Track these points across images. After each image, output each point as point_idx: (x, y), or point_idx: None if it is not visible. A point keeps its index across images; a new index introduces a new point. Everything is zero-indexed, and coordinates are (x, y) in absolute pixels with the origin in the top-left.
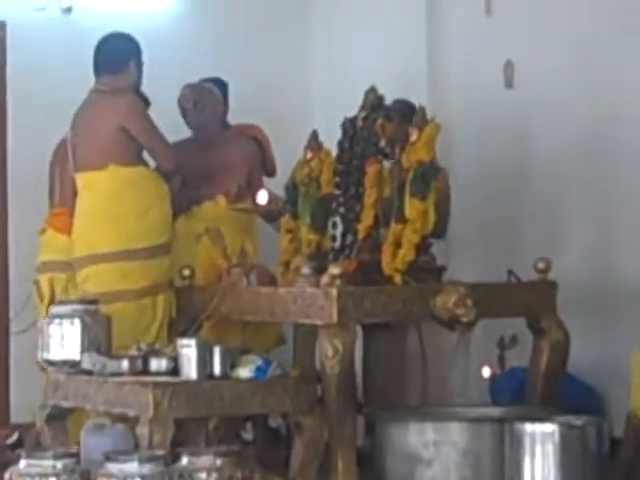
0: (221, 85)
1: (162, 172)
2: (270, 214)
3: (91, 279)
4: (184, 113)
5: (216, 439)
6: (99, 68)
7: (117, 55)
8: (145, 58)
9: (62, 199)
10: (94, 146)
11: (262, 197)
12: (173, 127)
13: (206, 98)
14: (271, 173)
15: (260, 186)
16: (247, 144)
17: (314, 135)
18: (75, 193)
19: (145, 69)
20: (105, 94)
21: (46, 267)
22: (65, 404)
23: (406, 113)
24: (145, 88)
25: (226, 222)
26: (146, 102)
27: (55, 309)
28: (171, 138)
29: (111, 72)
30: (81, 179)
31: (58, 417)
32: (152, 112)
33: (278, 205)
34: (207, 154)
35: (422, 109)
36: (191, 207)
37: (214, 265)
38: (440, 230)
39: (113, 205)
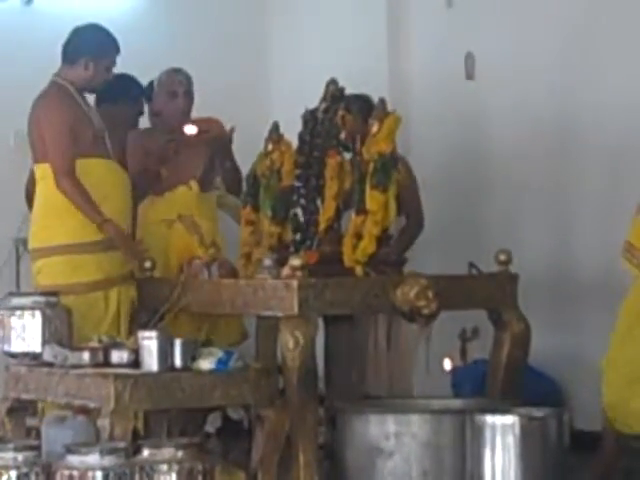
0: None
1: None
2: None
3: (43, 271)
4: (172, 95)
5: (177, 431)
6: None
7: (71, 46)
8: None
9: None
10: (43, 138)
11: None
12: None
13: (192, 89)
14: (233, 169)
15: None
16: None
17: (275, 127)
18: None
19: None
20: (51, 86)
21: None
22: (26, 396)
23: (365, 106)
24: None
25: (199, 209)
26: (106, 100)
27: (15, 301)
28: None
29: (63, 61)
30: (37, 171)
31: (19, 410)
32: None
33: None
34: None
35: (383, 101)
36: (162, 193)
37: (191, 253)
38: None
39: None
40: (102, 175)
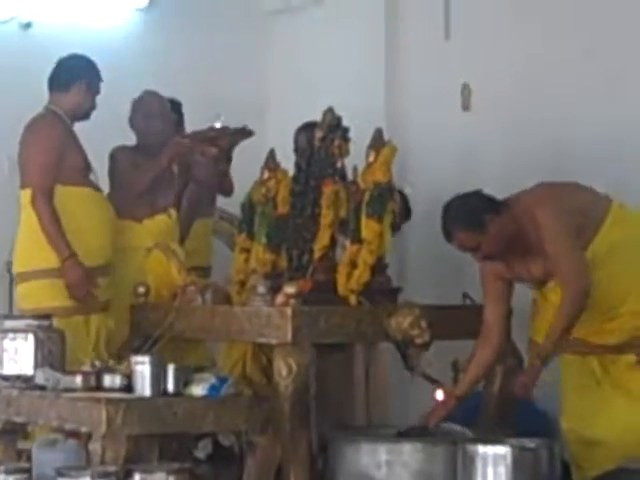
0: (175, 105)
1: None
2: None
3: (26, 295)
4: (149, 116)
5: (168, 456)
6: (49, 85)
7: (64, 74)
8: (103, 72)
9: None
10: (29, 161)
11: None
12: (128, 137)
13: (167, 112)
14: (227, 191)
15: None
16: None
17: (271, 155)
18: None
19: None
20: (45, 112)
21: None
22: (18, 419)
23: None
24: (102, 100)
25: (175, 237)
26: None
27: (8, 323)
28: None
29: (54, 90)
30: (22, 196)
31: (10, 432)
32: (109, 123)
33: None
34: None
35: (379, 130)
36: (141, 219)
37: (171, 281)
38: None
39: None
40: (83, 205)
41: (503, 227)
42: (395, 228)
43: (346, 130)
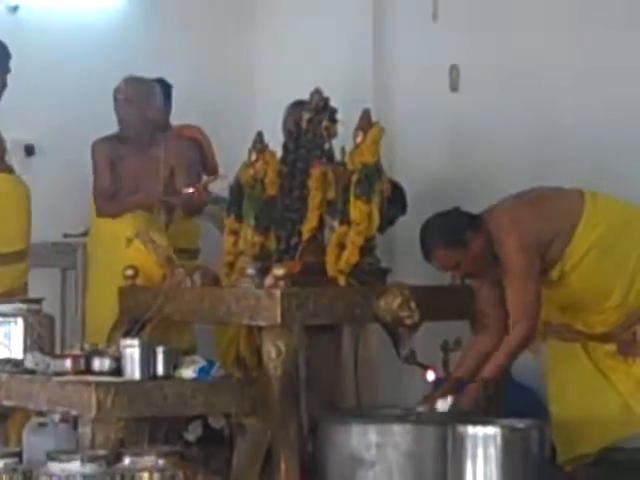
0: (164, 86)
1: None
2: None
3: None
4: (115, 104)
5: (158, 439)
6: None
7: None
8: (91, 55)
9: None
10: None
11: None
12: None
13: (138, 94)
14: (213, 174)
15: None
16: (187, 147)
17: (259, 137)
18: None
19: (91, 66)
20: None
21: None
22: (7, 403)
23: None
24: (90, 85)
25: (160, 223)
26: None
27: None
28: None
29: None
30: None
31: (1, 416)
32: (95, 109)
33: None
34: (142, 155)
35: (367, 112)
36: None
37: (150, 273)
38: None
39: None
40: (4, 191)
41: (482, 244)
42: (389, 222)
43: (334, 111)
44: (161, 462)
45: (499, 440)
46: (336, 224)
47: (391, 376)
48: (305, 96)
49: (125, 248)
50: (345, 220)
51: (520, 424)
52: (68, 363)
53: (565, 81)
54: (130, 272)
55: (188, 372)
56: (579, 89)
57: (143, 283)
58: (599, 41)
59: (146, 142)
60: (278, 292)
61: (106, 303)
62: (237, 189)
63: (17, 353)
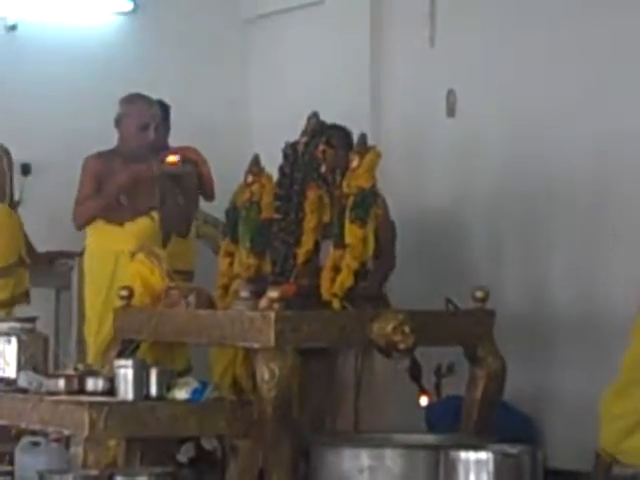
0: (163, 107)
1: None
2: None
3: None
4: (145, 127)
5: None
6: None
7: None
8: (89, 74)
9: None
10: None
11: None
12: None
13: (163, 118)
14: (209, 195)
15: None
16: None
17: (256, 159)
18: None
19: (86, 83)
20: None
21: None
22: (0, 422)
23: (347, 140)
24: (83, 102)
25: (158, 240)
26: None
27: None
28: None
29: None
30: None
31: None
32: (92, 127)
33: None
34: (140, 170)
35: (364, 136)
36: (122, 223)
37: (154, 285)
38: (390, 259)
39: None
40: None
41: None
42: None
43: (331, 135)
44: None
45: (491, 465)
46: (331, 248)
47: (396, 403)
48: (302, 118)
49: (129, 261)
50: (340, 244)
51: (512, 449)
52: (61, 383)
53: (564, 106)
54: (124, 292)
55: (181, 393)
56: (578, 115)
57: (146, 296)
58: (599, 69)
59: (143, 160)
60: (272, 315)
61: (105, 317)
62: (233, 211)
63: (10, 372)
